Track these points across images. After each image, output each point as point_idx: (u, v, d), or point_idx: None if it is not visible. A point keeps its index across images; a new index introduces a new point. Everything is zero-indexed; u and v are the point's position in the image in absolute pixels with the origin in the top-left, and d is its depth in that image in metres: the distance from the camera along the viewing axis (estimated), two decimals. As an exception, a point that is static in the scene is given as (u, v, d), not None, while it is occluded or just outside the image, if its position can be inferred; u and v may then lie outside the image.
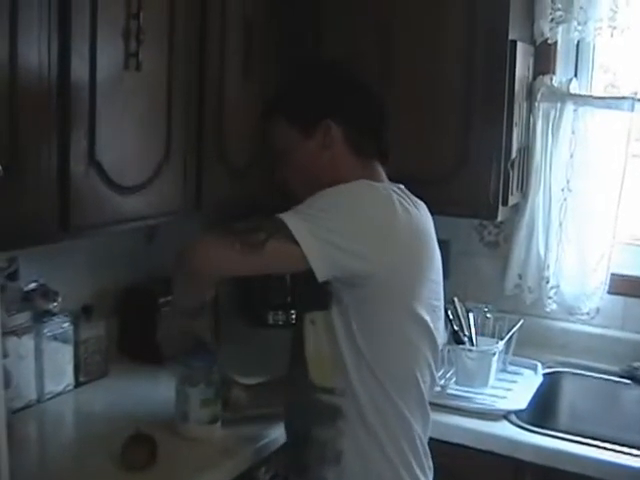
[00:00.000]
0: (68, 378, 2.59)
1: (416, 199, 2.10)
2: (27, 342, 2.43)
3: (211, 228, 3.32)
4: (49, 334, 2.51)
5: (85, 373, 2.66)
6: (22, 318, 2.40)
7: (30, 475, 2.06)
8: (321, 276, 1.88)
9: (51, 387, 2.53)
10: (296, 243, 1.86)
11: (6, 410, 1.68)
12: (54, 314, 2.53)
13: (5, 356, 2.23)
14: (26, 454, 2.18)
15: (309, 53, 2.99)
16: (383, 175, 2.13)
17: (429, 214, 2.15)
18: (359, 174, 2.04)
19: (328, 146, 2.03)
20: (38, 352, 2.47)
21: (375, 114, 2.14)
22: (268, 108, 2.15)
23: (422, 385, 2.06)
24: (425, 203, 2.16)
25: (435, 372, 2.15)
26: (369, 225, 1.93)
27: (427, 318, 2.03)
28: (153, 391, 2.61)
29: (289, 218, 1.89)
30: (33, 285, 2.50)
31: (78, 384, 2.63)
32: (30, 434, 2.36)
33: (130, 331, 2.93)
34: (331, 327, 1.98)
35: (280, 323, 3.42)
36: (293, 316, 3.38)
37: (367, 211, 1.94)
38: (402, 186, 2.10)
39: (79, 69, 2.11)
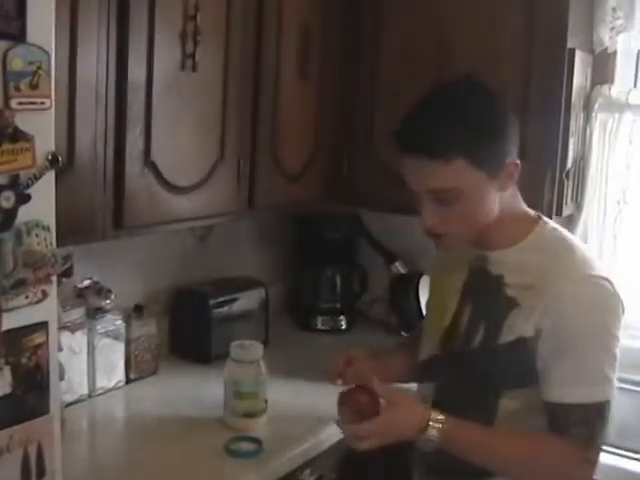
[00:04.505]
0: (119, 374, 2.62)
1: None
2: (80, 338, 2.46)
3: (262, 233, 3.37)
4: (102, 331, 2.55)
5: (136, 370, 2.69)
6: (76, 314, 2.44)
7: (80, 468, 2.09)
8: None
9: (102, 383, 2.56)
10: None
11: (61, 403, 1.73)
12: (107, 311, 2.57)
13: (59, 350, 2.27)
14: (77, 447, 2.21)
15: (366, 55, 3.01)
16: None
17: None
18: (513, 203, 1.93)
19: (505, 185, 1.87)
20: (90, 348, 2.51)
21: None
22: (440, 150, 1.78)
23: None
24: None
25: None
26: None
27: None
28: (202, 389, 2.63)
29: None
30: (87, 282, 2.54)
31: (129, 381, 2.66)
32: (81, 428, 2.38)
33: (181, 330, 2.96)
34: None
35: (328, 328, 3.41)
36: (342, 322, 3.41)
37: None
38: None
39: (136, 70, 2.16)
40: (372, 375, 1.91)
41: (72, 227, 1.96)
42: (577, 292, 1.82)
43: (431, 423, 1.81)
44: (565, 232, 1.96)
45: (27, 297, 1.56)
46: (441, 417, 1.82)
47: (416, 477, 2.10)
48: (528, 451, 1.85)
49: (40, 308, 1.59)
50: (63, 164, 1.90)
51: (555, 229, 1.95)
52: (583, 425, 1.82)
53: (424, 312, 2.30)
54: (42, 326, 1.60)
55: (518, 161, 1.87)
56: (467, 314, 1.95)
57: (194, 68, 2.31)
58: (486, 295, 1.93)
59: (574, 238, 1.95)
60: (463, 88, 1.87)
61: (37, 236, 1.56)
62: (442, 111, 1.81)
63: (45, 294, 1.59)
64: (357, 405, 1.87)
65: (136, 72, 2.15)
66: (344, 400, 1.91)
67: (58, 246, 1.64)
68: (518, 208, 1.95)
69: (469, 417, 1.85)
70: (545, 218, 1.97)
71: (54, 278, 1.62)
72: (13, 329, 1.55)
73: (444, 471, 1.97)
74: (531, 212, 1.98)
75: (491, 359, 1.89)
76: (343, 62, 2.99)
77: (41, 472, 1.65)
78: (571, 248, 1.89)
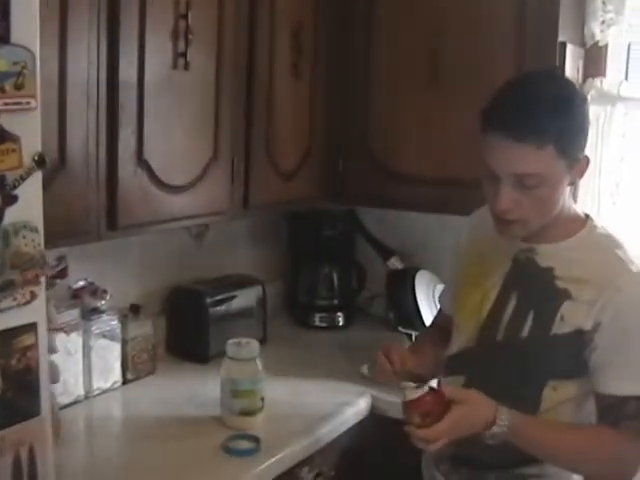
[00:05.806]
0: (115, 375, 2.62)
1: None
2: (75, 339, 2.46)
3: (258, 230, 3.37)
4: (97, 331, 2.54)
5: (132, 371, 2.68)
6: (71, 315, 2.43)
7: (77, 469, 2.09)
8: None
9: (99, 384, 2.56)
10: None
11: (53, 405, 1.72)
12: (102, 312, 2.56)
13: (54, 352, 2.27)
14: (74, 449, 2.21)
15: (359, 53, 3.01)
16: None
17: None
18: (569, 201, 1.98)
19: (575, 180, 1.93)
20: (86, 349, 2.51)
21: None
22: (536, 135, 1.78)
23: None
24: (466, 205, 2.17)
25: None
26: None
27: None
28: (200, 388, 2.62)
29: None
30: (82, 283, 2.53)
31: (125, 381, 2.66)
32: (78, 429, 2.38)
33: (177, 329, 2.95)
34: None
35: (326, 325, 3.41)
36: (339, 319, 3.41)
37: None
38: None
39: (128, 69, 2.15)
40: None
41: (66, 228, 1.97)
42: (635, 288, 1.88)
43: (497, 418, 1.82)
44: (611, 231, 1.99)
45: (15, 299, 1.56)
46: (508, 411, 1.83)
47: (439, 469, 2.11)
48: (588, 444, 1.90)
49: (29, 309, 1.59)
50: (55, 165, 1.92)
51: (603, 227, 1.99)
52: (637, 417, 1.85)
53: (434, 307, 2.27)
54: (31, 327, 1.60)
55: (589, 158, 1.91)
56: (512, 304, 1.98)
57: (186, 67, 2.30)
58: (534, 286, 1.96)
59: (619, 237, 1.98)
60: (557, 78, 1.99)
61: (25, 237, 1.56)
62: (539, 97, 1.81)
63: (34, 295, 1.59)
64: (426, 408, 1.85)
65: (127, 71, 2.15)
66: (411, 405, 1.88)
67: (52, 247, 1.64)
68: (571, 206, 1.99)
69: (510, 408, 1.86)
70: (593, 217, 2.01)
71: (43, 279, 1.61)
72: (2, 331, 1.55)
73: (470, 463, 2.01)
74: (580, 211, 2.02)
75: (542, 349, 1.92)
76: (337, 60, 2.99)
77: (33, 475, 1.64)
78: (620, 246, 1.94)
